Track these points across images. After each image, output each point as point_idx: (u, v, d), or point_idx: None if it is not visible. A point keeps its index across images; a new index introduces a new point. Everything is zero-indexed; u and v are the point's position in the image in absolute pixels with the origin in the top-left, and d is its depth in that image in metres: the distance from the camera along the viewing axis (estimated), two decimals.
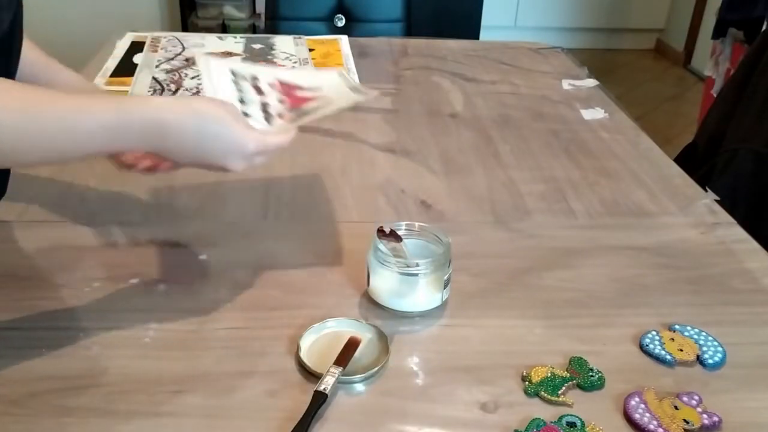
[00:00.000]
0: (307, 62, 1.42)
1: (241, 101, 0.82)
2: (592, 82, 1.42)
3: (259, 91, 0.84)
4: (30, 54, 0.80)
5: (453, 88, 1.36)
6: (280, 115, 0.82)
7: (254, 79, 0.86)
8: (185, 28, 2.97)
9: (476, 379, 0.66)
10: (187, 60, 1.39)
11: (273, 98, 0.84)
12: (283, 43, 1.52)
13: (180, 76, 1.30)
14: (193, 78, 1.31)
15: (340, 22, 1.97)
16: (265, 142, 0.72)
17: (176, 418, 0.60)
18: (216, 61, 0.91)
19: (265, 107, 0.82)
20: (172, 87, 1.26)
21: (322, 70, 0.99)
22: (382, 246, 0.72)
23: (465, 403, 0.63)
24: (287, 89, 0.86)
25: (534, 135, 1.18)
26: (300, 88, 0.86)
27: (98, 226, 0.87)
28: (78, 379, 0.64)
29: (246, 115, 0.79)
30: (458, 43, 1.63)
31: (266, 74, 0.88)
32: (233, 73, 0.86)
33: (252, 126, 0.73)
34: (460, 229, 0.89)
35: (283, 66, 0.93)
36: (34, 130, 0.59)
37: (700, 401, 0.63)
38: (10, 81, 0.60)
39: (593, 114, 1.27)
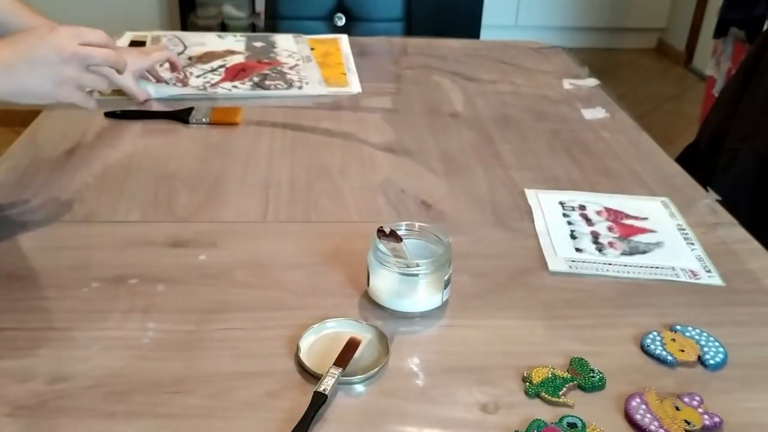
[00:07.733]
0: (310, 60, 1.42)
1: (572, 236, 0.86)
2: (593, 82, 1.41)
3: (588, 220, 0.88)
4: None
5: (453, 88, 1.36)
6: (610, 244, 0.84)
7: (582, 208, 0.91)
8: (184, 27, 2.97)
9: (477, 380, 0.66)
10: (190, 59, 1.39)
11: (602, 227, 0.87)
12: (284, 41, 1.52)
13: (185, 75, 1.30)
14: (198, 77, 1.31)
15: (340, 21, 1.96)
16: (78, 29, 0.81)
17: (176, 418, 0.60)
18: (544, 195, 0.95)
19: (595, 237, 0.85)
20: (179, 85, 1.26)
21: (644, 198, 0.97)
22: (382, 246, 0.72)
23: (465, 404, 0.63)
24: (615, 216, 0.89)
25: (535, 135, 1.17)
26: (627, 215, 0.90)
27: (97, 225, 0.87)
28: (78, 379, 0.64)
29: (578, 250, 0.83)
30: (459, 42, 1.63)
31: (593, 203, 0.93)
32: (561, 205, 0.92)
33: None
34: (460, 229, 0.89)
35: (608, 195, 0.98)
36: None
37: (701, 402, 0.63)
38: None
39: (594, 113, 1.26)
